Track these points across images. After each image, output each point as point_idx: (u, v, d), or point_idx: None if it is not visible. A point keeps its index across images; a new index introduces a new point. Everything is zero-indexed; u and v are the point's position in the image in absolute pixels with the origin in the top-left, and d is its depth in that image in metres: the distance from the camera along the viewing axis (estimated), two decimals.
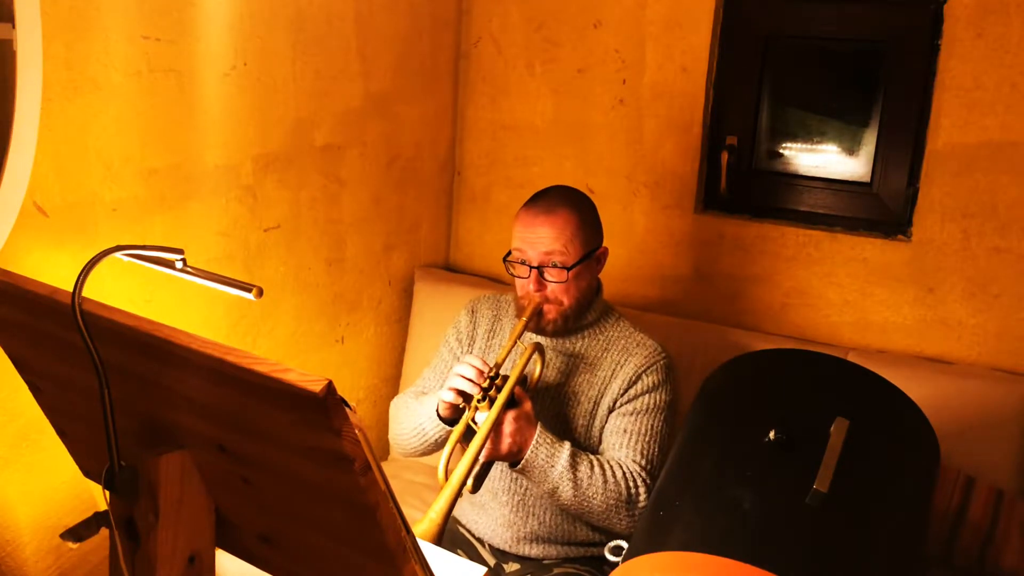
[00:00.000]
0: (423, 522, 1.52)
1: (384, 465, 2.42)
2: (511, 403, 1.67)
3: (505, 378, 1.68)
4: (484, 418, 1.63)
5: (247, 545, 1.12)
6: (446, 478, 1.60)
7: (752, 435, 1.38)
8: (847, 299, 2.25)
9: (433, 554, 1.40)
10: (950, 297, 2.14)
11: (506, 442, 1.65)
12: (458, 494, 1.57)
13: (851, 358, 2.09)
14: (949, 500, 1.87)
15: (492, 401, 1.64)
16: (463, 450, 1.65)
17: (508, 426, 1.65)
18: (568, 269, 1.75)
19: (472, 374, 1.66)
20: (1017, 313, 2.09)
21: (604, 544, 1.65)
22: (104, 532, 1.10)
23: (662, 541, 1.29)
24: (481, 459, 1.65)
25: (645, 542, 1.32)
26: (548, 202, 1.79)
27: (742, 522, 1.27)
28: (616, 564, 1.38)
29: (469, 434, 1.67)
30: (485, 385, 1.65)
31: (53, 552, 1.65)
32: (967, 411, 1.98)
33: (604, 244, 1.87)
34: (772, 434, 1.34)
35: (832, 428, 1.35)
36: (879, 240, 2.20)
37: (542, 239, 1.75)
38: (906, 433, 1.47)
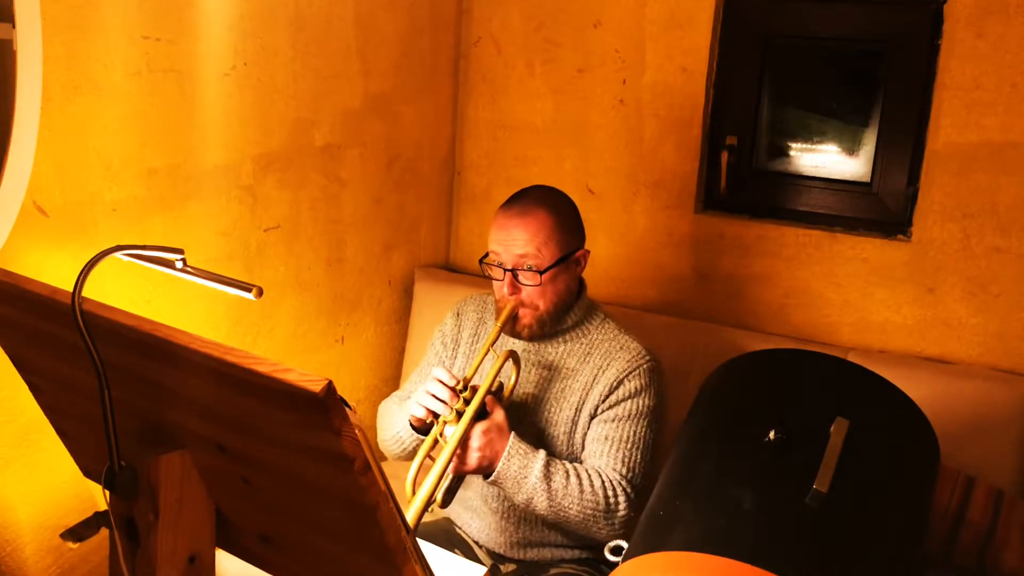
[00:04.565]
0: None
1: (384, 465, 2.42)
2: (481, 415, 1.63)
3: (476, 390, 1.64)
4: (452, 432, 1.60)
5: (247, 545, 1.12)
6: (413, 492, 1.57)
7: (752, 435, 1.38)
8: (847, 299, 2.25)
9: (433, 554, 1.40)
10: (950, 297, 2.14)
11: (474, 456, 1.62)
12: (424, 511, 1.53)
13: (851, 358, 2.09)
14: (949, 500, 1.87)
15: (460, 415, 1.61)
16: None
17: (476, 440, 1.61)
18: (541, 273, 1.70)
19: (440, 391, 1.63)
20: (1017, 313, 2.09)
21: (598, 547, 1.64)
22: (104, 532, 1.10)
23: (662, 541, 1.29)
24: (449, 473, 1.62)
25: (645, 542, 1.32)
26: (523, 203, 1.74)
27: (742, 522, 1.27)
28: (616, 564, 1.37)
29: (438, 446, 1.63)
30: (457, 406, 1.62)
31: (53, 552, 1.65)
32: (967, 411, 1.98)
33: (586, 246, 1.81)
34: (772, 434, 1.34)
35: (832, 428, 1.35)
36: (879, 240, 2.20)
37: (515, 241, 1.71)
38: (906, 433, 1.47)
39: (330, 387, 0.83)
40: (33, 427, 1.56)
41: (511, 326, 1.76)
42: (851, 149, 2.29)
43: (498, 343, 1.77)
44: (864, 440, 1.36)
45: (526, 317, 1.75)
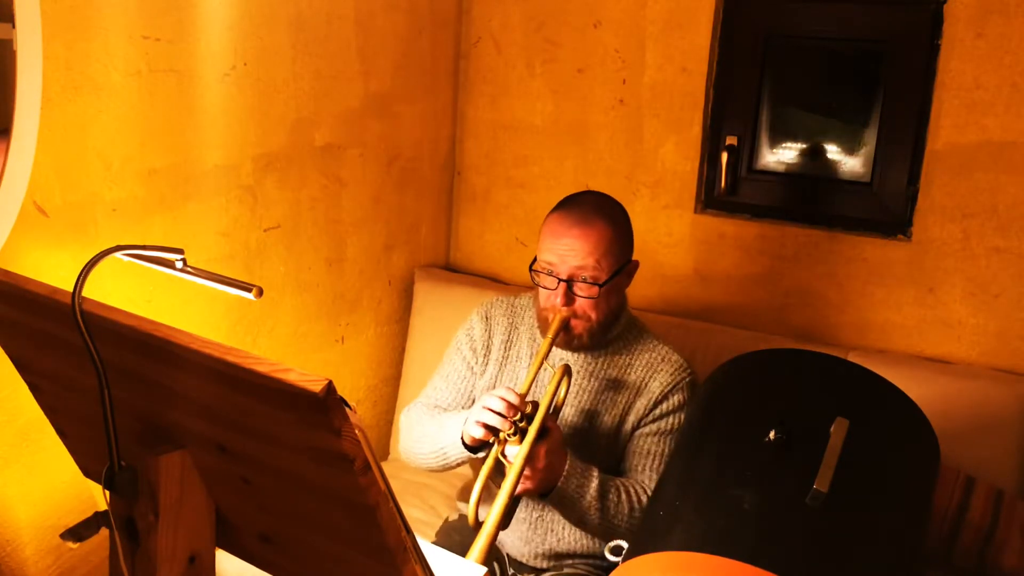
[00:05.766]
0: None
1: (384, 465, 2.42)
2: (542, 433, 1.58)
3: (535, 405, 1.59)
4: (515, 453, 1.55)
5: (247, 545, 1.12)
6: (476, 520, 1.51)
7: (752, 435, 1.38)
8: (847, 299, 2.25)
9: (433, 554, 1.40)
10: (950, 297, 2.14)
11: (539, 477, 1.57)
12: (494, 539, 1.49)
13: (851, 358, 2.09)
14: (949, 500, 1.87)
15: (522, 433, 1.55)
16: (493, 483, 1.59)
17: (541, 461, 1.56)
18: (601, 286, 1.66)
19: (501, 407, 1.56)
20: (1017, 313, 2.09)
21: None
22: (104, 532, 1.10)
23: (662, 541, 1.29)
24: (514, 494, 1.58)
25: (645, 542, 1.32)
26: (583, 212, 1.68)
27: (742, 522, 1.27)
28: (616, 564, 1.37)
29: (497, 467, 1.59)
30: (516, 418, 1.55)
31: (53, 552, 1.65)
32: (967, 411, 1.98)
33: (635, 257, 1.79)
34: (772, 434, 1.34)
35: (832, 428, 1.35)
36: (879, 240, 2.20)
37: (574, 252, 1.65)
38: (906, 433, 1.47)
39: (330, 387, 0.83)
40: (33, 427, 1.56)
41: (561, 337, 1.71)
42: (851, 149, 2.29)
43: (548, 359, 1.71)
44: (864, 440, 1.36)
45: (578, 328, 1.71)
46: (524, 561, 1.83)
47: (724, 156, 2.35)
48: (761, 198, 2.36)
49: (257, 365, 0.86)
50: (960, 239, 2.11)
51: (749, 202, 2.36)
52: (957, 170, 2.09)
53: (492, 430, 1.58)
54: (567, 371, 1.68)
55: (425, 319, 2.48)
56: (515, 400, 1.57)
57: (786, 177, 2.34)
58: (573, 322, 1.70)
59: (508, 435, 1.56)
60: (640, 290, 2.48)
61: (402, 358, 2.55)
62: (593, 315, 1.70)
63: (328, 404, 0.83)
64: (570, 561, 1.82)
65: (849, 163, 2.28)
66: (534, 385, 1.70)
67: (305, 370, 0.85)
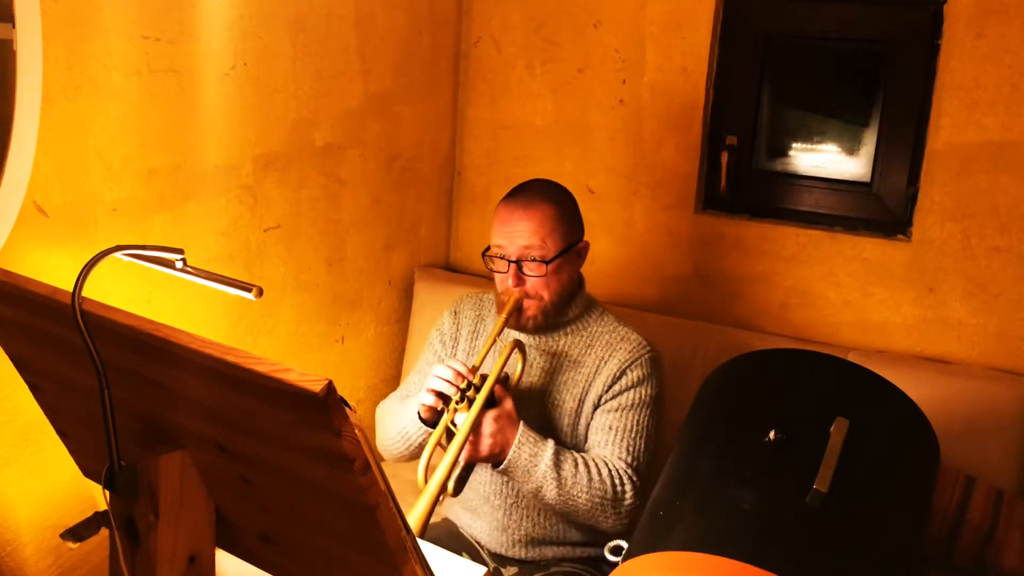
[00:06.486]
0: None
1: (384, 465, 2.42)
2: (491, 403, 1.65)
3: (484, 377, 1.66)
4: (463, 419, 1.62)
5: (247, 545, 1.12)
6: (426, 480, 1.57)
7: (752, 435, 1.38)
8: (847, 299, 2.25)
9: (433, 554, 1.40)
10: (950, 297, 2.14)
11: (486, 443, 1.63)
12: (437, 498, 1.54)
13: (851, 358, 2.09)
14: (949, 500, 1.87)
15: (471, 402, 1.62)
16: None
17: (488, 427, 1.63)
18: (547, 263, 1.73)
19: (450, 375, 1.64)
20: (1017, 313, 2.09)
21: (599, 544, 1.63)
22: (104, 532, 1.10)
23: (662, 541, 1.29)
24: (461, 461, 1.63)
25: (645, 542, 1.32)
26: (526, 196, 1.77)
27: (742, 522, 1.27)
28: (616, 564, 1.37)
29: (451, 436, 1.64)
30: (463, 386, 1.63)
31: (53, 552, 1.65)
32: (967, 411, 1.98)
33: (585, 239, 1.84)
34: (772, 434, 1.34)
35: (832, 428, 1.35)
36: (879, 240, 2.20)
37: (520, 233, 1.73)
38: (906, 433, 1.47)
39: (330, 387, 0.83)
40: (33, 427, 1.56)
41: (516, 318, 1.77)
42: (851, 149, 2.28)
43: (502, 336, 1.78)
44: (864, 440, 1.36)
45: (531, 308, 1.77)
46: (504, 552, 1.85)
47: (724, 156, 2.35)
48: (761, 198, 2.36)
49: (257, 365, 0.86)
50: (960, 239, 2.11)
51: (749, 202, 2.36)
52: (957, 170, 2.09)
53: (443, 398, 1.65)
54: (517, 345, 1.74)
55: (425, 319, 2.48)
56: (463, 370, 1.65)
57: (786, 177, 2.34)
58: (526, 303, 1.76)
59: (456, 403, 1.63)
60: (640, 290, 2.48)
61: (402, 358, 2.55)
62: (545, 294, 1.76)
63: (328, 404, 0.83)
64: (551, 553, 1.83)
65: (849, 163, 2.28)
66: (488, 361, 1.75)
67: (305, 370, 0.85)
